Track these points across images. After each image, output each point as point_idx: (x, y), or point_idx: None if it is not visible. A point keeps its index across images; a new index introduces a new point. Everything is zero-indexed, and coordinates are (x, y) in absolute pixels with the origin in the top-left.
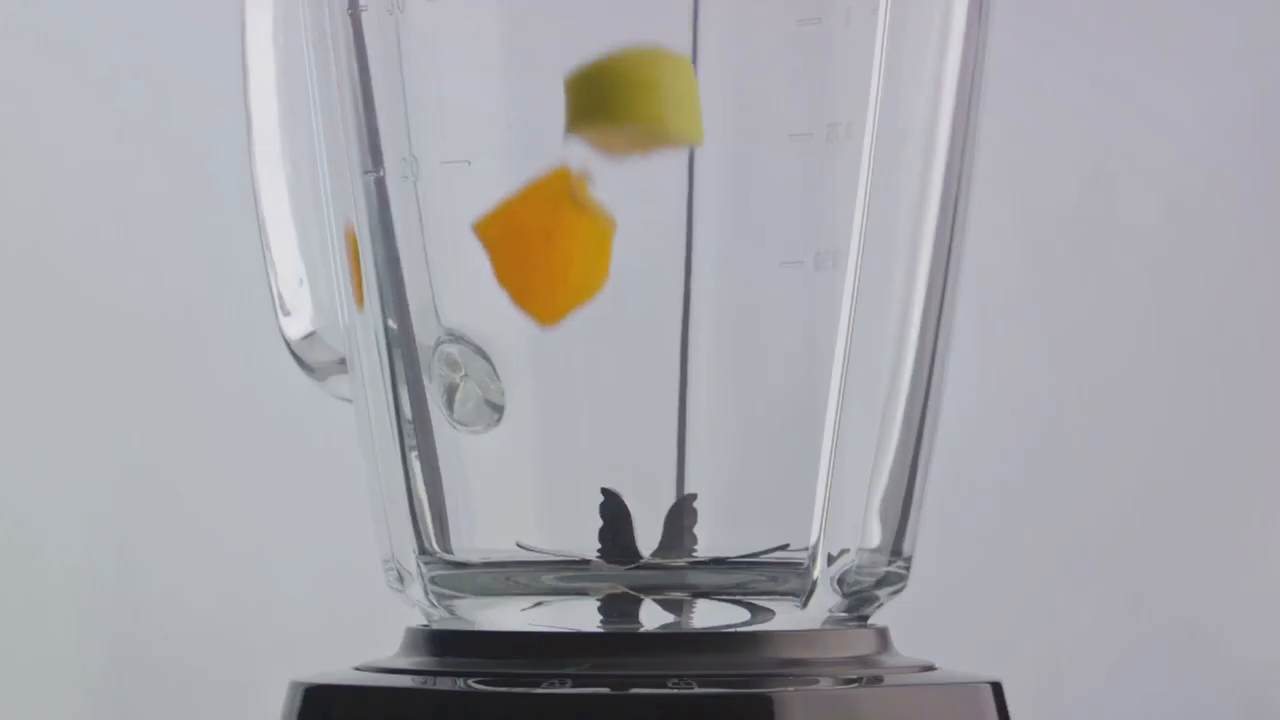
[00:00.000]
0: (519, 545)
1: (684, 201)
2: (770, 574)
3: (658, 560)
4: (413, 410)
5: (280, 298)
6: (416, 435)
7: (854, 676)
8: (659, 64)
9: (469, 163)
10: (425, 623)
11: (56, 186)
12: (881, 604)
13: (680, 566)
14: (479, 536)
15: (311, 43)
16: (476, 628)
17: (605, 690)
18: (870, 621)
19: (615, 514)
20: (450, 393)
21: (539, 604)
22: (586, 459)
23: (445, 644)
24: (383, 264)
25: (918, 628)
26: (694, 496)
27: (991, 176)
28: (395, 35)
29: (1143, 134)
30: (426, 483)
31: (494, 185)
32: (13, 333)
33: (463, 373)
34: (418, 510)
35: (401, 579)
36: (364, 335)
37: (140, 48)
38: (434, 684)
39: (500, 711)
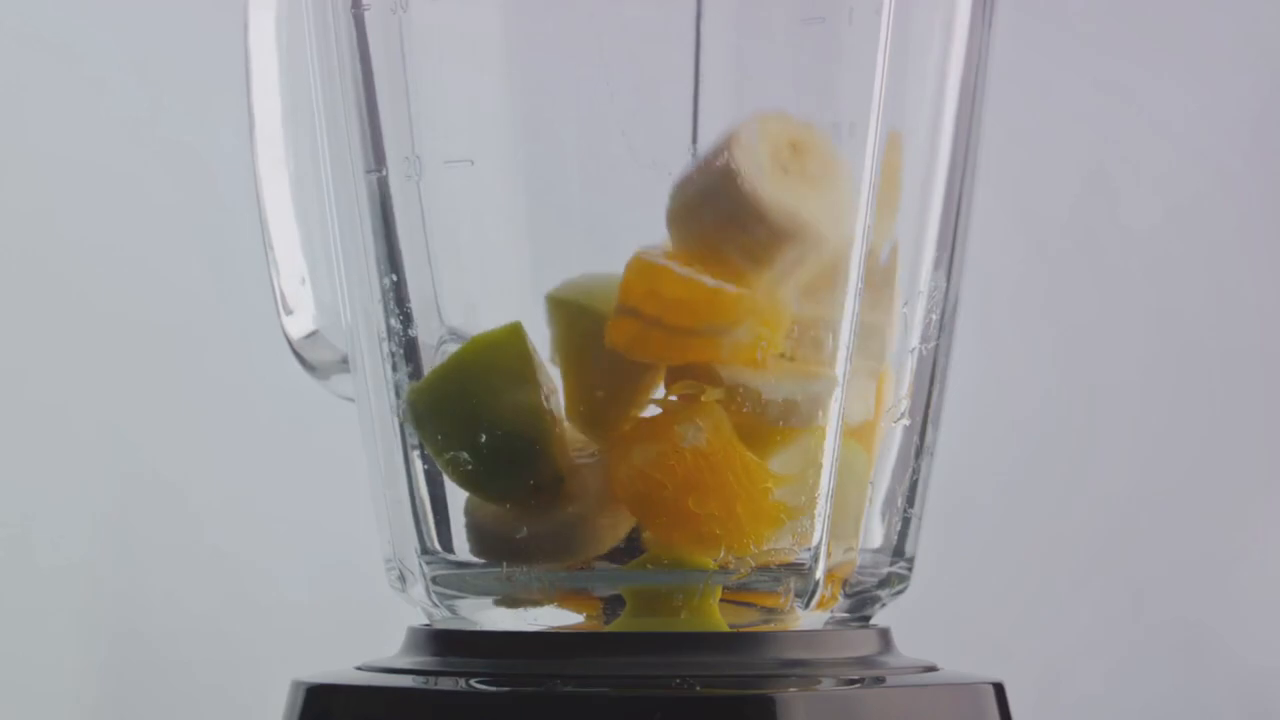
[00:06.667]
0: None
1: None
2: (773, 574)
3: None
4: None
5: (282, 297)
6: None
7: (856, 677)
8: None
9: (472, 162)
10: (427, 622)
11: (57, 186)
12: (884, 604)
13: None
14: None
15: (315, 41)
16: (478, 627)
17: (606, 690)
18: (872, 622)
19: None
20: None
21: (540, 604)
22: None
23: (447, 644)
24: (385, 263)
25: (920, 628)
26: None
27: (993, 178)
28: (398, 34)
29: (1144, 136)
30: (429, 482)
31: (497, 185)
32: (13, 334)
33: None
34: (420, 510)
35: (403, 579)
36: (366, 334)
37: (140, 47)
38: (435, 684)
39: (501, 711)
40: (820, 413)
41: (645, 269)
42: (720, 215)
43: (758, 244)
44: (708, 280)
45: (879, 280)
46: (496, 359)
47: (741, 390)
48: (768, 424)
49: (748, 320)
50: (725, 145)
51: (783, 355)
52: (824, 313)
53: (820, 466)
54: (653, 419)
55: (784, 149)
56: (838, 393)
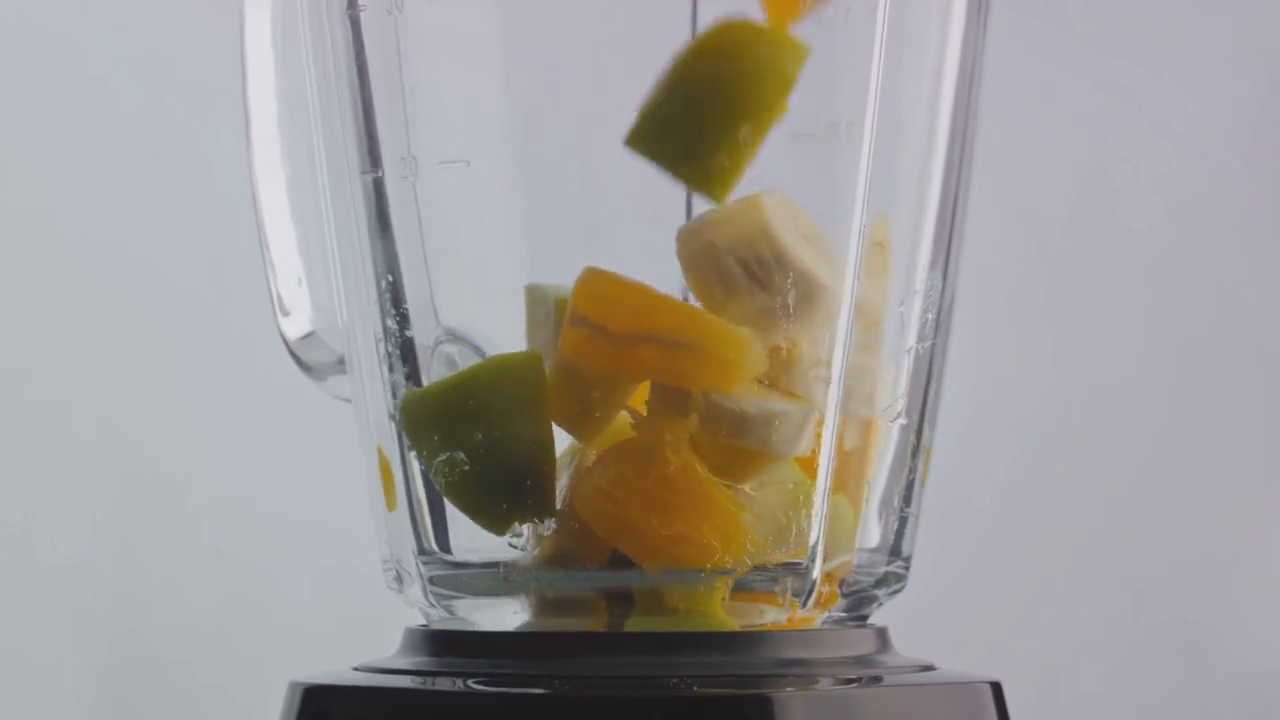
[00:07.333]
0: (510, 545)
1: (683, 203)
2: (769, 574)
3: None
4: None
5: (279, 298)
6: None
7: (853, 676)
8: None
9: (468, 163)
10: (424, 623)
11: (55, 187)
12: (881, 604)
13: None
14: (478, 537)
15: (310, 42)
16: (476, 628)
17: (604, 691)
18: (870, 621)
19: None
20: None
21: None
22: None
23: (444, 644)
24: (382, 264)
25: (918, 628)
26: None
27: (992, 178)
28: (394, 35)
29: (1144, 136)
30: (425, 483)
31: (493, 185)
32: (12, 334)
33: None
34: (416, 511)
35: (400, 579)
36: (363, 335)
37: (139, 47)
38: (433, 684)
39: (500, 711)
40: (802, 439)
41: (594, 276)
42: (737, 232)
43: (762, 266)
44: (654, 289)
45: (868, 322)
46: (510, 381)
47: (717, 410)
48: (747, 447)
49: (692, 332)
50: (759, 194)
51: (763, 382)
52: (812, 347)
53: (805, 487)
54: (619, 444)
55: (807, 228)
56: (834, 396)
